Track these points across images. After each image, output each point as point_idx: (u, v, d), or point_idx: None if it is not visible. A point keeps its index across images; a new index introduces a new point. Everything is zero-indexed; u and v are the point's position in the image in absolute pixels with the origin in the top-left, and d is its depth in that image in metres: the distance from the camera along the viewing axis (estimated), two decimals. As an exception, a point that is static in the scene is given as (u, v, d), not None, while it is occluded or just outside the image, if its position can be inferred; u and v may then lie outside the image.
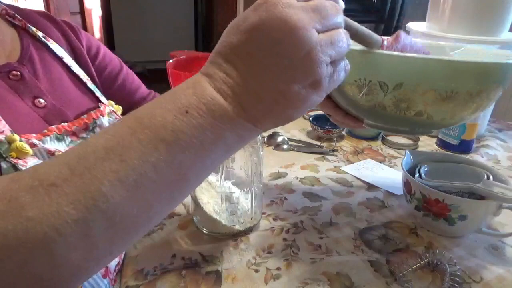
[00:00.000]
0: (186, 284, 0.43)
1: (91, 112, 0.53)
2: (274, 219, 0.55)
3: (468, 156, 0.76)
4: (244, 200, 0.51)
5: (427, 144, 0.87)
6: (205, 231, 0.51)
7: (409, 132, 0.48)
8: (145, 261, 0.46)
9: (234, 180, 0.50)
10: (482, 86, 0.40)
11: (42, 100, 0.48)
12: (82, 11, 2.11)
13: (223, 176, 0.48)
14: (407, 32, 0.96)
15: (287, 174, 0.70)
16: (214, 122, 0.28)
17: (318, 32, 0.28)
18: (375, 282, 0.44)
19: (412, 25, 0.95)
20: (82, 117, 0.52)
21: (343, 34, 0.31)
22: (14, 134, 0.42)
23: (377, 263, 0.47)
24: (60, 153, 0.28)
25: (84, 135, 0.51)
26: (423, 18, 0.98)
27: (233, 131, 0.29)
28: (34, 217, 0.23)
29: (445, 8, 0.88)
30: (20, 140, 0.42)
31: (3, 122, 0.42)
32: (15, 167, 0.41)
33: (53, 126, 0.47)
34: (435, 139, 0.87)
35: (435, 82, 0.39)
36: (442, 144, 0.83)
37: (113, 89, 0.63)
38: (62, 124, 0.49)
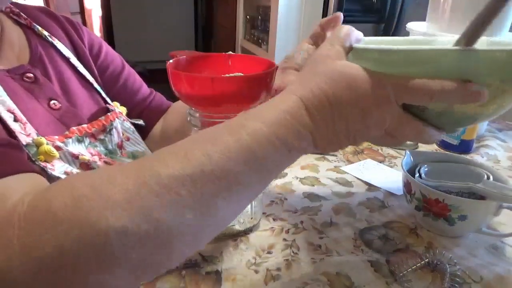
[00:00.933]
0: (186, 285, 0.43)
1: (108, 114, 0.53)
2: (274, 219, 0.55)
3: (468, 156, 0.76)
4: (244, 200, 0.51)
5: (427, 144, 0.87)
6: (205, 231, 0.51)
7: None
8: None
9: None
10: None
11: (57, 102, 0.48)
12: (82, 11, 2.12)
13: None
14: (407, 33, 0.96)
15: (287, 174, 0.70)
16: (297, 156, 0.34)
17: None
18: (375, 282, 0.44)
19: (412, 25, 0.95)
20: (100, 118, 0.52)
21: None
22: (41, 137, 0.42)
23: (377, 263, 0.47)
24: (176, 148, 0.31)
25: (102, 136, 0.51)
26: (423, 18, 0.98)
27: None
28: (163, 220, 0.27)
29: (445, 8, 0.88)
30: (47, 143, 0.42)
31: (29, 125, 0.42)
32: (44, 171, 0.41)
33: (74, 128, 0.47)
34: (435, 139, 0.87)
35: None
36: (442, 144, 0.83)
37: (115, 89, 0.61)
38: (82, 126, 0.49)
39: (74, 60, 0.55)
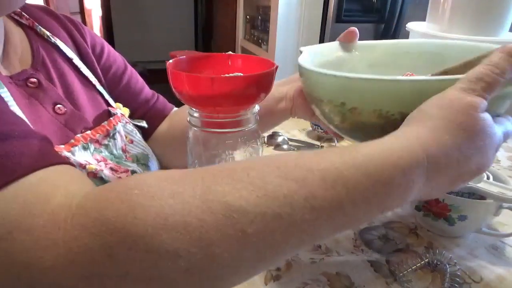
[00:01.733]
0: (186, 284, 0.43)
1: (111, 119, 0.52)
2: (274, 219, 0.55)
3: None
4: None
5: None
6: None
7: None
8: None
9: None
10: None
11: (62, 107, 0.47)
12: (82, 11, 2.12)
13: None
14: (407, 33, 0.96)
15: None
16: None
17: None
18: (375, 282, 0.44)
19: (412, 25, 0.95)
20: (103, 124, 0.51)
21: None
22: None
23: (377, 263, 0.47)
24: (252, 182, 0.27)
25: (106, 141, 0.50)
26: (423, 18, 0.98)
27: None
28: (220, 255, 0.25)
29: (445, 8, 0.88)
30: None
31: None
32: None
33: (79, 135, 0.47)
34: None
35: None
36: (442, 144, 0.83)
37: (118, 89, 0.61)
38: (87, 132, 0.48)
39: (77, 60, 0.54)
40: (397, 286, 0.44)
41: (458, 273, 0.45)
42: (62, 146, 0.44)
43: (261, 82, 0.42)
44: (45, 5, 0.60)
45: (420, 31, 0.91)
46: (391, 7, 1.93)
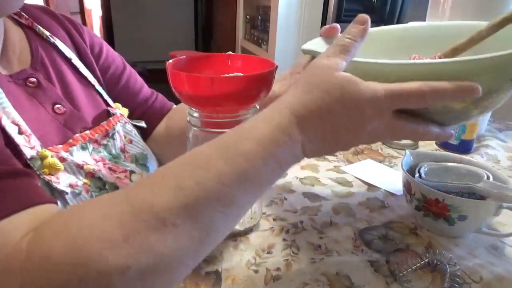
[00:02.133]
0: (185, 285, 0.43)
1: (110, 119, 0.52)
2: (274, 219, 0.55)
3: (468, 156, 0.76)
4: (244, 200, 0.51)
5: (427, 144, 0.87)
6: (205, 231, 0.51)
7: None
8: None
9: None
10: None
11: (61, 107, 0.47)
12: (82, 11, 2.12)
13: None
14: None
15: (287, 174, 0.70)
16: (288, 168, 0.35)
17: None
18: (375, 282, 0.44)
19: (412, 25, 0.95)
20: (102, 123, 0.51)
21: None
22: (45, 150, 0.41)
23: (377, 263, 0.47)
24: (166, 170, 0.32)
25: (105, 141, 0.50)
26: (423, 18, 0.98)
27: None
28: (163, 251, 0.28)
29: (445, 8, 0.88)
30: (52, 156, 0.41)
31: (34, 136, 0.41)
32: (48, 184, 0.40)
33: (77, 135, 0.47)
34: (435, 139, 0.87)
35: None
36: (442, 144, 0.83)
37: (117, 89, 0.61)
38: (86, 132, 0.48)
39: (76, 60, 0.54)
40: (397, 286, 0.44)
41: (458, 273, 0.45)
42: (60, 146, 0.44)
43: (261, 82, 0.42)
44: (44, 5, 0.60)
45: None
46: (391, 7, 1.93)
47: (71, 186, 0.42)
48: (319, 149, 0.35)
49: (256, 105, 0.46)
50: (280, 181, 0.67)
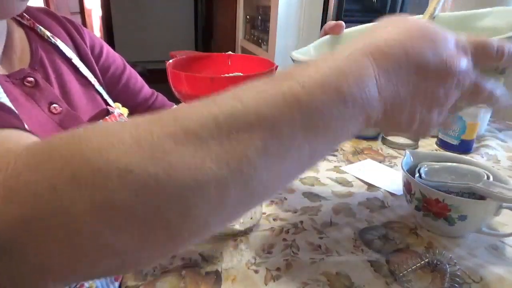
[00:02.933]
0: (186, 285, 0.43)
1: (106, 117, 0.53)
2: (274, 219, 0.55)
3: (468, 156, 0.76)
4: (244, 200, 0.51)
5: (427, 144, 0.87)
6: (205, 231, 0.51)
7: None
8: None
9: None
10: None
11: (57, 106, 0.48)
12: (82, 11, 2.11)
13: None
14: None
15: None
16: (355, 112, 0.27)
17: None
18: (375, 282, 0.44)
19: (412, 25, 0.95)
20: (98, 122, 0.51)
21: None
22: None
23: (377, 263, 0.47)
24: (205, 99, 0.25)
25: None
26: (423, 18, 0.98)
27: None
28: (177, 165, 0.21)
29: (445, 8, 0.88)
30: None
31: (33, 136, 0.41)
32: None
33: None
34: (435, 139, 0.87)
35: None
36: (442, 144, 0.83)
37: (117, 89, 0.61)
38: None
39: (76, 60, 0.55)
40: (397, 286, 0.44)
41: (458, 273, 0.45)
42: None
43: None
44: (45, 7, 0.61)
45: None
46: (391, 7, 1.93)
47: None
48: (403, 94, 0.28)
49: None
50: (280, 181, 0.67)
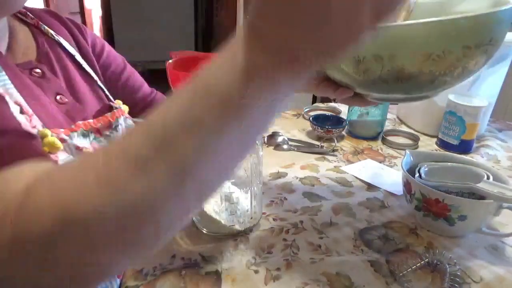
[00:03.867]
0: (185, 285, 0.43)
1: (114, 111, 0.53)
2: (274, 219, 0.55)
3: (468, 156, 0.76)
4: (244, 200, 0.51)
5: (427, 144, 0.87)
6: (204, 231, 0.51)
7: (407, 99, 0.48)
8: (145, 261, 0.46)
9: (233, 180, 0.50)
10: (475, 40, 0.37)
11: (63, 97, 0.49)
12: (82, 11, 2.12)
13: None
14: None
15: (287, 174, 0.70)
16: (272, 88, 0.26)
17: None
18: (375, 282, 0.44)
19: (412, 25, 0.95)
20: (106, 115, 0.52)
21: None
22: (45, 129, 0.42)
23: (377, 263, 0.47)
24: (140, 123, 0.27)
25: (107, 132, 0.52)
26: (423, 18, 0.98)
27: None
28: (134, 190, 0.25)
29: None
30: (51, 135, 0.42)
31: (35, 117, 0.43)
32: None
33: (79, 122, 0.48)
34: (435, 139, 0.87)
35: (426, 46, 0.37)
36: (442, 144, 0.83)
37: (117, 87, 0.63)
38: (88, 120, 0.49)
39: (78, 57, 0.56)
40: (397, 286, 0.44)
41: (458, 273, 0.45)
42: (62, 130, 0.45)
43: None
44: (48, 8, 0.64)
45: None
46: (391, 7, 1.93)
47: None
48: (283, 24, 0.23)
49: None
50: (280, 181, 0.67)
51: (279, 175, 0.69)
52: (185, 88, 0.28)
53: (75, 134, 0.46)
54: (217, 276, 0.44)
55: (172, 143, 0.25)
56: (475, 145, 0.82)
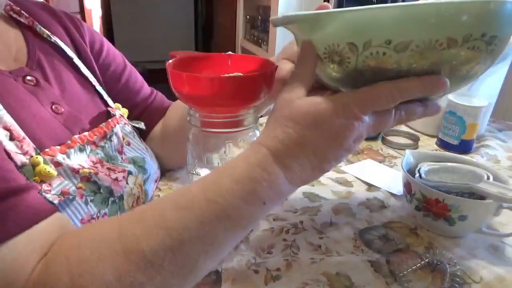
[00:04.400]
0: (186, 284, 0.43)
1: (109, 120, 0.52)
2: (274, 219, 0.55)
3: (468, 156, 0.76)
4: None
5: (427, 144, 0.87)
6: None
7: None
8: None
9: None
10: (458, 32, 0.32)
11: (59, 107, 0.47)
12: (82, 11, 2.11)
13: None
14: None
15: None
16: (274, 203, 0.36)
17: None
18: (375, 282, 0.44)
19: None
20: (101, 125, 0.51)
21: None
22: (37, 156, 0.40)
23: (377, 263, 0.47)
24: (157, 216, 0.34)
25: (102, 143, 0.50)
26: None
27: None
28: None
29: None
30: (45, 162, 0.40)
31: (27, 140, 0.40)
32: (39, 193, 0.38)
33: (76, 137, 0.46)
34: (435, 139, 0.87)
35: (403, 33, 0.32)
36: (442, 144, 0.83)
37: (117, 88, 0.60)
38: (84, 134, 0.48)
39: (76, 60, 0.54)
40: (397, 286, 0.44)
41: (458, 273, 0.45)
42: (58, 147, 0.43)
43: (261, 82, 0.42)
44: (43, 2, 0.58)
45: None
46: (391, 7, 1.93)
47: (63, 193, 0.40)
48: (312, 175, 0.35)
49: (256, 105, 0.46)
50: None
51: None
52: (206, 199, 0.33)
53: (72, 150, 0.44)
54: (217, 276, 0.44)
55: (187, 248, 0.32)
56: (475, 145, 0.82)
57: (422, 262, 0.46)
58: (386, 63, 0.34)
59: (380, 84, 0.34)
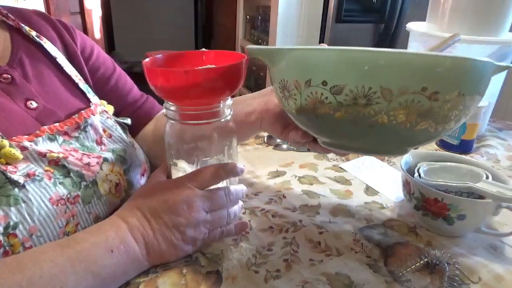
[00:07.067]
0: (186, 282, 0.43)
1: (82, 111, 0.53)
2: (273, 216, 0.56)
3: (468, 156, 0.76)
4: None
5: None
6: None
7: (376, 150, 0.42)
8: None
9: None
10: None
11: (34, 102, 0.49)
12: (82, 11, 2.11)
13: (198, 166, 0.50)
14: (407, 33, 0.96)
15: (285, 172, 0.70)
16: (127, 261, 0.41)
17: (206, 212, 0.46)
18: (374, 282, 0.44)
19: (412, 25, 0.95)
20: (73, 116, 0.52)
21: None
22: (3, 140, 0.42)
23: (376, 264, 0.47)
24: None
25: (76, 134, 0.51)
26: (423, 18, 0.98)
27: (137, 269, 0.43)
28: None
29: (445, 8, 0.88)
30: (10, 146, 0.42)
31: None
32: (3, 174, 0.41)
33: (45, 127, 0.48)
34: (434, 139, 0.87)
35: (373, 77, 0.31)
36: (443, 144, 0.84)
37: (105, 90, 0.63)
38: (54, 124, 0.49)
39: (61, 59, 0.56)
40: (397, 285, 0.44)
41: (457, 272, 0.45)
42: (26, 136, 0.45)
43: (232, 73, 0.44)
44: (40, 10, 0.63)
45: (420, 31, 0.91)
46: (391, 7, 1.93)
47: (28, 175, 0.42)
48: (160, 243, 0.43)
49: (229, 98, 0.48)
50: (279, 180, 0.67)
51: (277, 174, 0.69)
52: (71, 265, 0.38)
53: (40, 139, 0.46)
54: (217, 275, 0.44)
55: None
56: (475, 145, 0.83)
57: (421, 262, 0.46)
58: (325, 108, 0.35)
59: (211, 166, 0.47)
